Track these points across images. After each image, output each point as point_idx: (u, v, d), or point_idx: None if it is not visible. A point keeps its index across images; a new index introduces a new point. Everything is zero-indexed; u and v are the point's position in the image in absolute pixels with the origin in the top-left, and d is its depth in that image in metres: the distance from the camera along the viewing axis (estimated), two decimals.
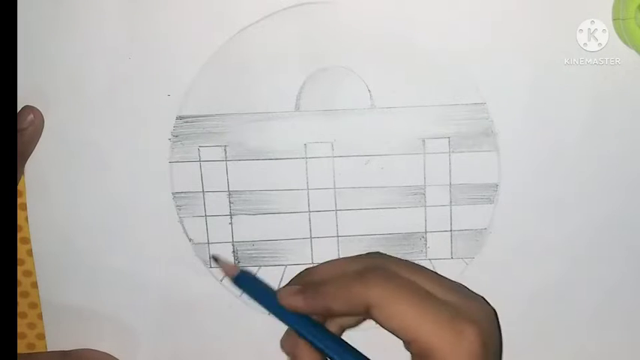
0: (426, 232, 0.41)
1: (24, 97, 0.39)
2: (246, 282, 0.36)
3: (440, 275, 0.34)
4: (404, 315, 0.30)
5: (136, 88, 0.39)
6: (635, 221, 0.40)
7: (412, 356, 0.31)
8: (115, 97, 0.40)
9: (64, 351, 0.42)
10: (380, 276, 0.31)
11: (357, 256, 0.35)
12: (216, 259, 0.39)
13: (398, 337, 0.31)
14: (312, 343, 0.33)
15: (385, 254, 0.35)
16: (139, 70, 0.39)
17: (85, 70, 0.39)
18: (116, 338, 0.42)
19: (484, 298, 0.34)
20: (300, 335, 0.33)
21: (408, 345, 0.30)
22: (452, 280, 0.34)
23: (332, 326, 0.34)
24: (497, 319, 0.33)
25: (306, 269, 0.35)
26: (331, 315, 0.33)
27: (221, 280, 0.42)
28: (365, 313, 0.31)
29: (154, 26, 0.39)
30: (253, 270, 0.42)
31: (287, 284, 0.35)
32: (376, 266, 0.32)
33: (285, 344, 0.34)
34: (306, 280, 0.34)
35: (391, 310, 0.30)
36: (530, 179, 0.39)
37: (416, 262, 0.40)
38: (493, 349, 0.31)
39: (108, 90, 0.40)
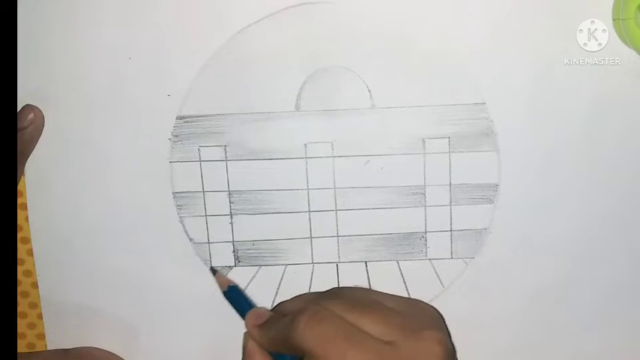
0: (426, 232, 0.41)
1: (24, 97, 0.39)
2: (233, 297, 0.39)
3: (394, 311, 0.33)
4: (331, 359, 0.30)
5: (136, 88, 0.39)
6: (635, 221, 0.40)
7: None
8: (115, 97, 0.40)
9: (64, 349, 0.42)
10: (310, 320, 0.31)
11: (313, 295, 0.36)
12: (214, 271, 0.40)
13: None
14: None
15: (342, 293, 0.35)
16: (139, 70, 0.39)
17: (85, 70, 0.39)
18: (116, 338, 0.42)
19: (445, 334, 0.32)
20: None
21: None
22: (410, 315, 0.33)
23: None
24: (450, 355, 0.32)
25: (279, 303, 0.37)
26: (280, 353, 0.34)
27: None
28: (303, 356, 0.31)
29: (154, 26, 0.39)
30: (253, 270, 0.42)
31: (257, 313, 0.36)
32: (314, 308, 0.32)
33: (246, 342, 0.35)
34: (274, 314, 0.35)
35: (319, 353, 0.30)
36: (530, 179, 0.39)
37: (416, 262, 0.41)
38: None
39: (108, 90, 0.40)
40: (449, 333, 0.33)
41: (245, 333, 0.36)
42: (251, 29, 0.39)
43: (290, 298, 0.37)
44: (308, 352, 0.30)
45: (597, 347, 0.41)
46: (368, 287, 0.41)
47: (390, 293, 0.35)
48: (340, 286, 0.41)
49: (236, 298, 0.39)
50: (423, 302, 0.36)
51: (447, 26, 0.38)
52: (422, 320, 0.33)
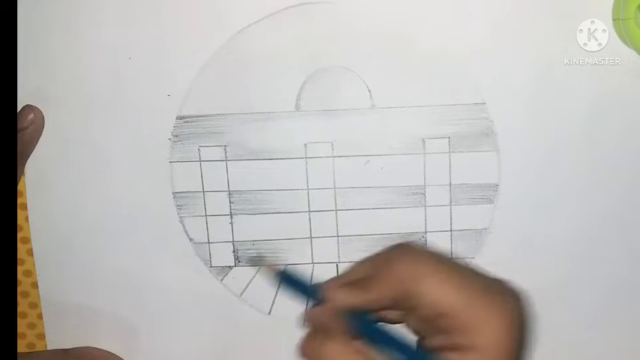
0: (426, 232, 0.41)
1: (24, 97, 0.39)
2: (288, 279, 0.34)
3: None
4: (437, 286, 0.29)
5: (136, 88, 0.39)
6: (635, 221, 0.40)
7: (439, 336, 0.30)
8: (115, 97, 0.40)
9: (64, 349, 0.42)
10: (409, 253, 0.31)
11: (389, 247, 0.33)
12: (262, 258, 0.39)
13: (430, 316, 0.29)
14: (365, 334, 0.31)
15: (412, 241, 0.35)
16: (139, 70, 0.39)
17: (85, 70, 0.39)
18: (116, 338, 0.42)
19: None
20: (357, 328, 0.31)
21: (437, 322, 0.29)
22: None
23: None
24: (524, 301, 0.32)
25: (344, 271, 0.34)
26: (378, 308, 0.32)
27: (221, 280, 0.42)
28: (404, 297, 0.30)
29: (154, 26, 0.39)
30: (253, 270, 0.42)
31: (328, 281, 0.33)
32: (405, 246, 0.32)
33: (327, 348, 0.31)
34: (347, 278, 0.33)
35: (424, 282, 0.29)
36: (530, 179, 0.39)
37: None
38: (525, 327, 0.31)
39: (108, 90, 0.40)
40: None
41: (309, 334, 0.32)
42: (251, 29, 0.39)
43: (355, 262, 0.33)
44: (411, 280, 0.29)
45: (597, 347, 0.41)
46: None
47: None
48: None
49: (292, 278, 0.34)
50: None
51: (447, 26, 0.38)
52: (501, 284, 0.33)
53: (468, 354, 0.29)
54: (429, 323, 0.30)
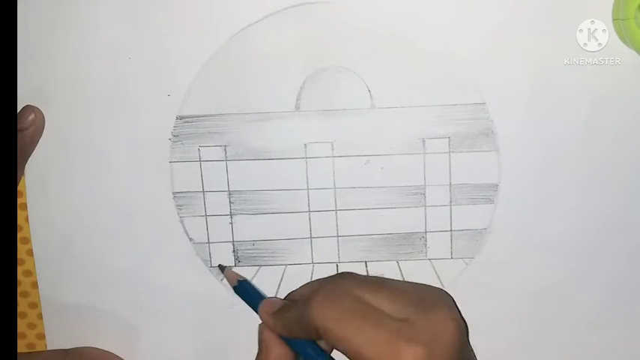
0: (426, 232, 0.41)
1: (24, 97, 0.39)
2: (244, 291, 0.38)
3: (406, 289, 0.33)
4: (348, 337, 0.30)
5: (136, 88, 0.39)
6: (635, 221, 0.40)
7: None
8: (115, 97, 0.40)
9: (64, 349, 0.42)
10: (326, 299, 0.31)
11: (324, 278, 0.36)
12: (222, 268, 0.40)
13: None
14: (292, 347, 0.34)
15: (352, 273, 0.36)
16: (139, 70, 0.39)
17: (85, 70, 0.39)
18: (116, 338, 0.42)
19: (456, 311, 0.32)
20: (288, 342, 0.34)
21: None
22: (421, 293, 0.33)
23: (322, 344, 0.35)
24: (462, 336, 0.31)
25: (289, 293, 0.37)
26: (297, 338, 0.34)
27: (221, 280, 0.42)
28: (319, 337, 0.32)
29: (154, 26, 0.39)
30: (253, 270, 0.42)
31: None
32: (328, 288, 0.32)
33: (261, 333, 0.35)
34: (286, 301, 0.35)
35: (336, 332, 0.30)
36: (530, 179, 0.39)
37: (416, 262, 0.41)
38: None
39: (108, 90, 0.40)
40: (460, 313, 0.33)
41: (260, 325, 0.35)
42: (251, 29, 0.39)
43: (299, 287, 0.37)
44: (323, 331, 0.31)
45: (597, 347, 0.41)
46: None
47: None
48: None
49: (247, 291, 0.38)
50: (431, 285, 0.36)
51: (447, 26, 0.38)
52: (433, 298, 0.33)
53: None
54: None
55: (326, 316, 0.31)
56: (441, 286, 0.41)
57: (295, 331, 0.33)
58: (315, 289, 0.33)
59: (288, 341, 0.34)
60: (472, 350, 0.35)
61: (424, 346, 0.29)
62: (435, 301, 0.32)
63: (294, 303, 0.34)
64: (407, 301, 0.32)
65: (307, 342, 0.33)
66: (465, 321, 0.33)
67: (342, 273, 0.36)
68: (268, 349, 0.34)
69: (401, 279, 0.41)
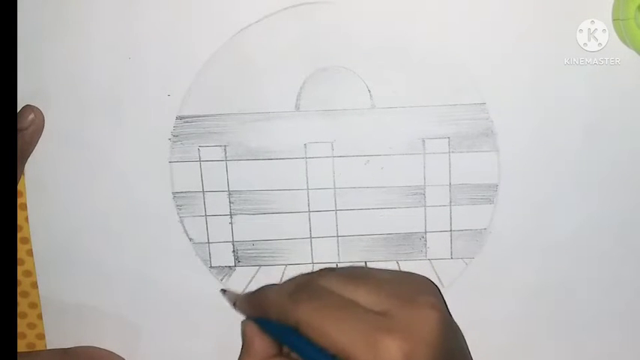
0: (425, 232, 0.41)
1: (24, 97, 0.39)
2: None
3: (387, 280, 0.33)
4: (327, 331, 0.30)
5: (136, 88, 0.39)
6: (635, 221, 0.40)
7: None
8: (115, 97, 0.40)
9: (63, 349, 0.42)
10: (308, 295, 0.32)
11: (307, 273, 0.36)
12: (224, 291, 0.40)
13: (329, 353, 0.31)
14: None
15: (333, 269, 0.36)
16: (139, 70, 0.39)
17: (85, 70, 0.39)
18: (116, 338, 0.42)
19: (438, 299, 0.32)
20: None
21: (334, 358, 0.30)
22: (403, 283, 0.33)
23: None
24: (445, 325, 0.31)
25: (264, 286, 0.36)
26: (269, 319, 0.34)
27: (221, 280, 0.42)
28: (300, 330, 0.32)
29: (154, 26, 0.39)
30: (253, 270, 0.42)
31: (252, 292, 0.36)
32: (309, 285, 0.33)
33: (244, 327, 0.35)
34: (259, 295, 0.35)
35: (316, 327, 0.30)
36: (530, 179, 0.39)
37: (416, 262, 0.41)
38: None
39: (108, 90, 0.40)
40: (444, 300, 0.33)
41: (242, 321, 0.36)
42: (251, 29, 0.39)
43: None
44: (304, 325, 0.31)
45: (597, 347, 0.41)
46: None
47: (384, 268, 0.36)
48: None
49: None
50: (416, 273, 0.36)
51: (447, 26, 0.38)
52: (415, 287, 0.33)
53: None
54: None
55: (307, 311, 0.31)
56: (441, 286, 0.41)
57: (273, 316, 0.33)
58: (297, 283, 0.33)
59: (273, 333, 0.34)
60: (462, 338, 0.35)
61: (403, 337, 0.29)
62: (417, 290, 0.32)
63: (272, 287, 0.34)
64: (387, 293, 0.32)
65: (292, 331, 0.33)
66: (449, 311, 0.33)
67: (325, 269, 0.36)
68: (251, 342, 0.34)
69: None
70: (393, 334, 0.29)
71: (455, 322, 0.33)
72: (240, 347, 0.35)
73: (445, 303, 0.33)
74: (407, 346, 0.29)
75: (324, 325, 0.30)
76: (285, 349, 0.34)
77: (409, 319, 0.30)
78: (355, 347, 0.29)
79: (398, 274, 0.35)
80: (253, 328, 0.34)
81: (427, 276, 0.41)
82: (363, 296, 0.31)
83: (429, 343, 0.30)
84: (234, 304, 0.37)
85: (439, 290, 0.34)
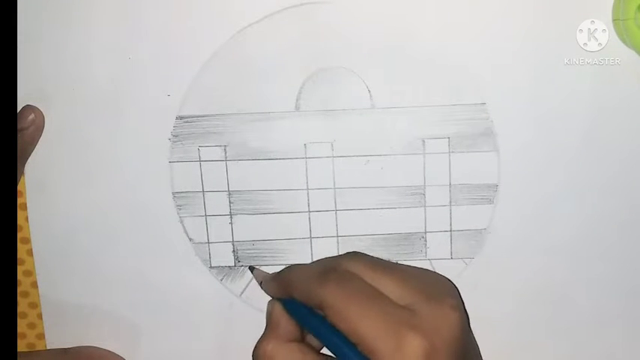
0: (425, 232, 0.41)
1: (24, 97, 0.39)
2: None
3: (413, 275, 0.33)
4: (351, 317, 0.30)
5: (136, 88, 0.39)
6: (635, 221, 0.40)
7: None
8: (115, 97, 0.40)
9: (63, 348, 0.42)
10: (336, 278, 0.32)
11: (335, 256, 0.36)
12: (252, 269, 0.40)
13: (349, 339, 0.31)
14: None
15: (362, 255, 0.36)
16: (139, 70, 0.39)
17: (85, 70, 0.39)
18: (116, 338, 0.42)
19: (459, 302, 0.33)
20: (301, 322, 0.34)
21: (356, 347, 0.30)
22: (427, 280, 0.33)
23: None
24: (464, 327, 0.32)
25: (292, 265, 0.37)
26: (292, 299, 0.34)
27: (221, 280, 0.42)
28: (320, 310, 0.32)
29: (154, 26, 0.39)
30: None
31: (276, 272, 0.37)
32: (338, 268, 0.33)
33: (271, 308, 0.35)
34: (286, 274, 0.35)
35: (340, 311, 0.31)
36: (530, 179, 0.39)
37: (415, 262, 0.41)
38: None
39: (108, 90, 0.40)
40: (463, 303, 0.33)
41: (270, 301, 0.35)
42: (251, 29, 0.39)
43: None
44: (328, 308, 0.31)
45: (597, 347, 0.41)
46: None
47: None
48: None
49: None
50: (438, 273, 0.36)
51: (447, 26, 0.38)
52: (439, 287, 0.33)
53: None
54: None
55: (333, 294, 0.31)
56: None
57: (299, 296, 0.33)
58: (325, 265, 0.33)
59: (296, 315, 0.34)
60: (475, 341, 0.35)
61: (427, 335, 0.30)
62: (441, 289, 0.33)
63: (299, 277, 0.34)
64: (414, 288, 0.32)
65: (320, 319, 0.33)
66: (467, 313, 0.33)
67: (354, 253, 0.37)
68: (277, 323, 0.34)
69: None
70: (417, 330, 0.30)
71: (469, 325, 0.34)
72: (265, 327, 0.35)
73: (464, 305, 0.33)
74: (428, 344, 0.29)
75: (349, 312, 0.30)
76: (309, 337, 0.34)
77: (433, 318, 0.31)
78: (378, 338, 0.29)
79: (423, 271, 0.35)
80: (280, 309, 0.34)
81: None
82: (388, 286, 0.32)
83: (450, 343, 0.30)
84: (261, 284, 0.37)
85: (459, 292, 0.35)
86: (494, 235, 0.40)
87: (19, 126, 0.39)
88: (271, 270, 0.41)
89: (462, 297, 0.38)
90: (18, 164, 0.40)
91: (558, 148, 0.39)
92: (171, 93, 0.40)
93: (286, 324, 0.34)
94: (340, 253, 0.41)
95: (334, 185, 0.40)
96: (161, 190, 0.41)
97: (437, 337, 0.30)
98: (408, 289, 0.32)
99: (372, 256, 0.35)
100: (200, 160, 0.40)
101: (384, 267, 0.33)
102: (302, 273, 0.34)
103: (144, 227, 0.41)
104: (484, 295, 0.41)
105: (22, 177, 0.41)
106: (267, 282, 0.37)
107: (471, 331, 0.35)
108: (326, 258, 0.37)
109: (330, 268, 0.33)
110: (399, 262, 0.41)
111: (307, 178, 0.40)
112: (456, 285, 0.39)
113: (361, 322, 0.30)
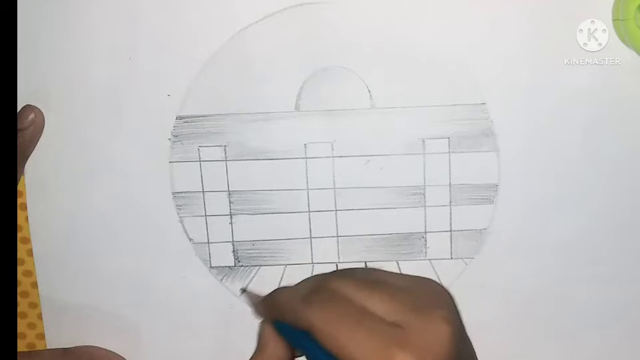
0: (425, 232, 0.41)
1: (24, 97, 0.39)
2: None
3: (401, 288, 0.33)
4: (340, 339, 0.30)
5: (136, 88, 0.39)
6: (635, 221, 0.40)
7: None
8: (115, 97, 0.40)
9: (63, 348, 0.42)
10: (321, 300, 0.31)
11: (321, 275, 0.36)
12: (243, 290, 0.40)
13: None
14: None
15: (349, 271, 0.35)
16: (139, 70, 0.39)
17: (85, 70, 0.39)
18: (116, 338, 0.42)
19: (452, 312, 0.32)
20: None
21: None
22: (417, 293, 0.33)
23: None
24: (455, 339, 0.31)
25: (278, 288, 0.36)
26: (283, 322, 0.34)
27: (221, 280, 0.42)
28: (312, 334, 0.32)
29: (154, 26, 0.39)
30: (253, 270, 0.42)
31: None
32: (323, 289, 0.32)
33: (261, 329, 0.35)
34: (273, 297, 0.35)
35: (329, 333, 0.30)
36: (530, 179, 0.39)
37: (416, 262, 0.41)
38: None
39: (108, 90, 0.40)
40: (458, 312, 0.33)
41: (261, 322, 0.35)
42: (251, 29, 0.39)
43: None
44: (317, 331, 0.31)
45: (597, 347, 0.41)
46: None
47: (400, 273, 0.36)
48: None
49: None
50: (433, 281, 0.36)
51: (447, 26, 0.38)
52: (430, 299, 0.33)
53: None
54: None
55: (320, 316, 0.31)
56: None
57: (286, 318, 0.33)
58: (311, 286, 0.33)
59: (287, 337, 0.34)
60: (470, 345, 0.35)
61: (416, 352, 0.29)
62: (432, 302, 0.32)
63: (288, 290, 0.34)
64: (401, 302, 0.31)
65: (310, 340, 0.33)
66: (462, 323, 0.33)
67: (341, 271, 0.36)
68: (265, 344, 0.34)
69: None
70: (406, 348, 0.29)
71: (465, 331, 0.33)
72: (255, 348, 0.35)
73: (458, 312, 0.33)
74: None
75: (337, 333, 0.30)
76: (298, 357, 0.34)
77: (422, 333, 0.30)
78: (368, 359, 0.29)
79: (413, 281, 0.35)
80: (270, 331, 0.34)
81: (427, 276, 0.41)
82: (376, 303, 0.31)
83: (441, 358, 0.30)
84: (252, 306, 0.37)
85: (453, 299, 0.35)
86: (494, 235, 0.40)
87: (19, 126, 0.39)
88: (271, 270, 0.41)
89: (462, 297, 0.38)
90: (18, 164, 0.40)
91: (558, 148, 0.39)
92: (171, 93, 0.40)
93: (275, 345, 0.34)
94: (338, 252, 0.41)
95: (334, 185, 0.40)
96: (161, 190, 0.41)
97: (427, 353, 0.30)
98: (396, 303, 0.31)
99: (358, 271, 0.35)
100: (200, 160, 0.40)
101: (371, 283, 0.33)
102: (288, 296, 0.33)
103: (144, 227, 0.41)
104: (484, 295, 0.41)
105: (22, 177, 0.41)
106: (257, 305, 0.37)
107: (467, 339, 0.35)
108: (312, 277, 0.36)
109: (315, 289, 0.32)
110: (399, 262, 0.41)
111: (307, 178, 0.40)
112: (456, 285, 0.39)
113: (350, 342, 0.30)
